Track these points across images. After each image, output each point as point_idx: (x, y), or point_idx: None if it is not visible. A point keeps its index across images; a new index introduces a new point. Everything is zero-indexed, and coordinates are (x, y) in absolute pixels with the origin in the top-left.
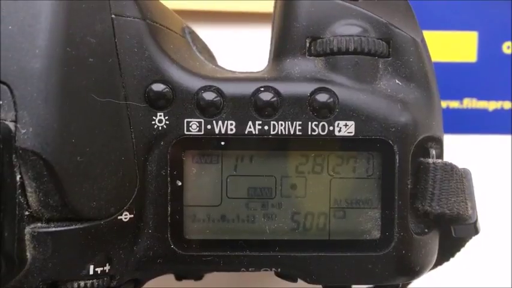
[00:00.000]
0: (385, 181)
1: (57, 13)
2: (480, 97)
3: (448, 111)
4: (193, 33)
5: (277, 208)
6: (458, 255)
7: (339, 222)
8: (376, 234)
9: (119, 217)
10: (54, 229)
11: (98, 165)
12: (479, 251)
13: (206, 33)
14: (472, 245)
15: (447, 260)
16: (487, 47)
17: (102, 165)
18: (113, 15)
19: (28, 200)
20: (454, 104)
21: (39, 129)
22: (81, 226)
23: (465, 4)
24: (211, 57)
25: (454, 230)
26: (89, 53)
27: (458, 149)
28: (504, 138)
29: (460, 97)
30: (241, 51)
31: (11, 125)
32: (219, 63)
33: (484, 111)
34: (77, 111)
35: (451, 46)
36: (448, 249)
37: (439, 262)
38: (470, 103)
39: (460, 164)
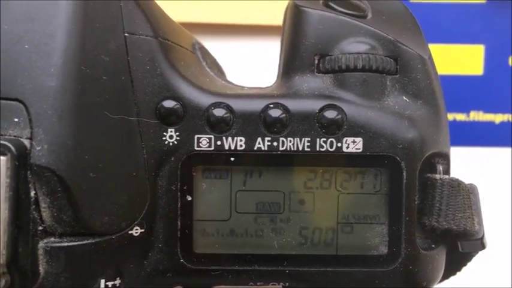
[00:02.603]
0: (392, 197)
1: (72, 32)
2: (486, 110)
3: (454, 124)
4: (203, 49)
5: (286, 223)
6: None
7: (347, 238)
8: (384, 249)
9: (130, 232)
10: (67, 244)
11: (110, 181)
12: (481, 257)
13: (215, 45)
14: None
15: (454, 274)
16: (494, 60)
17: (114, 180)
18: (126, 34)
19: (42, 215)
20: (460, 117)
21: (53, 146)
22: (93, 241)
23: (472, 18)
24: (220, 72)
25: (461, 246)
26: (102, 71)
27: (465, 162)
28: (509, 151)
29: (466, 110)
30: (250, 63)
31: (27, 142)
32: (228, 75)
33: (490, 124)
34: (90, 128)
35: (458, 59)
36: (455, 263)
37: (445, 276)
38: (476, 116)
39: (465, 177)
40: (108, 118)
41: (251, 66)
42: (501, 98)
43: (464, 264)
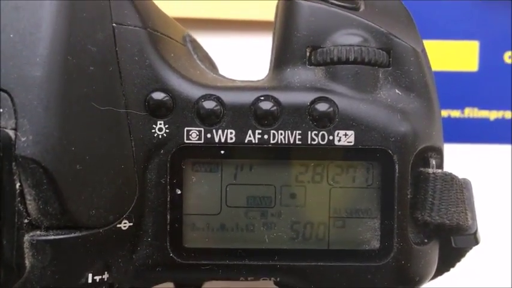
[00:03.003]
0: (384, 191)
1: (58, 22)
2: (481, 106)
3: (449, 121)
4: (194, 42)
5: (277, 217)
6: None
7: (339, 232)
8: (376, 244)
9: (118, 225)
10: (53, 237)
11: (98, 173)
12: (480, 256)
13: (207, 41)
14: (473, 251)
15: (447, 270)
16: (489, 56)
17: (101, 173)
18: (114, 24)
19: (27, 207)
20: (455, 114)
21: (39, 137)
22: (80, 234)
23: (467, 13)
24: (212, 65)
25: (454, 241)
26: (89, 61)
27: (459, 159)
28: (505, 148)
29: (461, 106)
30: (243, 59)
31: (11, 133)
32: (221, 71)
33: (485, 121)
34: (77, 119)
35: (453, 55)
36: (448, 259)
37: (439, 272)
38: (471, 112)
39: (460, 174)
40: (95, 109)
41: (244, 62)
42: (496, 95)
43: (458, 260)
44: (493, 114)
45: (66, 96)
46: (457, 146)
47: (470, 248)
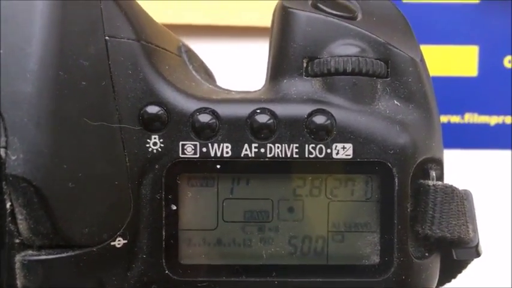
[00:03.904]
0: (384, 204)
1: (49, 36)
2: (481, 112)
3: (449, 126)
4: (189, 52)
5: (274, 232)
6: None
7: (337, 247)
8: (375, 259)
9: (112, 243)
10: (45, 257)
11: (91, 190)
12: (481, 260)
13: (204, 47)
14: None
15: (448, 281)
16: (488, 61)
17: (94, 190)
18: (106, 37)
19: (18, 227)
20: (455, 119)
21: (29, 156)
22: (72, 253)
23: (466, 18)
24: (208, 75)
25: (455, 253)
26: (81, 76)
27: (459, 165)
28: (505, 154)
29: (461, 112)
30: (240, 66)
31: (2, 151)
32: (217, 77)
33: (485, 126)
34: (68, 136)
35: (452, 60)
36: (449, 271)
37: (440, 283)
38: (471, 118)
39: (460, 180)
40: (87, 125)
41: (241, 69)
42: (496, 100)
43: (459, 272)
44: (493, 120)
45: (57, 112)
46: (457, 151)
47: (472, 260)
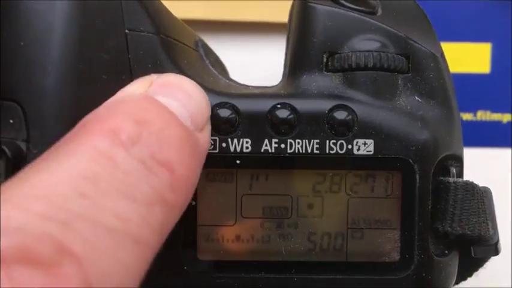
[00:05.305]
0: (404, 201)
1: (69, 29)
2: (494, 109)
3: (461, 124)
4: (205, 46)
5: (293, 228)
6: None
7: (357, 244)
8: (396, 256)
9: None
10: None
11: None
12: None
13: (217, 43)
14: None
15: (464, 279)
16: (501, 58)
17: None
18: (126, 30)
19: None
20: (467, 116)
21: None
22: None
23: (479, 15)
24: (223, 70)
25: (474, 251)
26: (102, 69)
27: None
28: None
29: (473, 109)
30: (253, 62)
31: (23, 145)
32: (231, 74)
33: (498, 124)
34: None
35: (464, 57)
36: (466, 268)
37: (456, 282)
38: (484, 115)
39: (473, 179)
40: None
41: (254, 65)
42: (509, 97)
43: (476, 270)
44: (506, 117)
45: (78, 106)
46: (470, 150)
47: (489, 258)
